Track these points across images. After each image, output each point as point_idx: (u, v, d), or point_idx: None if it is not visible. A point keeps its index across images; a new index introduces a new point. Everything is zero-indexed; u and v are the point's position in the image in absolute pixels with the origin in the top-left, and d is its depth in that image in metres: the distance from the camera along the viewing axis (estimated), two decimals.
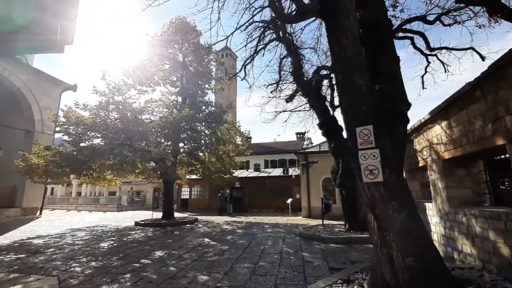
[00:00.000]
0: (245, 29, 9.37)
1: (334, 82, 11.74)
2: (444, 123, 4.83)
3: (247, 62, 10.89)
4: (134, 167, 11.15)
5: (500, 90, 3.19)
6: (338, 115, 12.43)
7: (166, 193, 13.37)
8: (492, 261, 3.47)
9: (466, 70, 10.43)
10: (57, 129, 10.71)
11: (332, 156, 9.51)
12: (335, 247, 6.41)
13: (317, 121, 9.68)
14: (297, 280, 3.97)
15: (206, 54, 13.97)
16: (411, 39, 9.16)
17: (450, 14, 8.85)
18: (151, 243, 7.50)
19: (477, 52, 8.81)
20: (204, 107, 13.83)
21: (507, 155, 3.30)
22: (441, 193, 5.03)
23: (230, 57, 52.54)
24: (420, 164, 6.17)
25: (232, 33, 5.32)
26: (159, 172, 12.53)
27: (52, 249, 6.74)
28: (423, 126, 5.54)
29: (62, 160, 9.53)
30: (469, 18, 8.40)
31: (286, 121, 11.05)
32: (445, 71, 10.20)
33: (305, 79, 10.41)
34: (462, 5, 7.33)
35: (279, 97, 11.07)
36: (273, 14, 6.08)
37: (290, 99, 11.31)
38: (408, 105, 3.63)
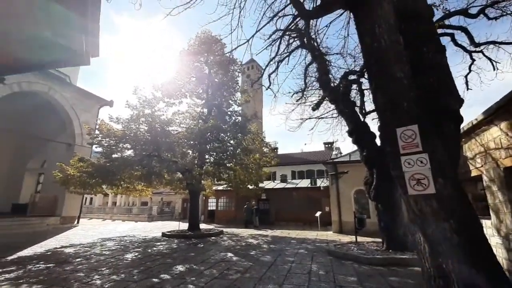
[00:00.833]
0: (268, 38, 9.31)
1: (363, 87, 11.06)
2: (503, 124, 4.04)
3: (271, 72, 10.73)
4: (160, 178, 11.31)
5: None
6: (369, 121, 11.60)
7: (192, 204, 13.35)
8: None
9: None
10: (90, 141, 11.27)
11: (364, 166, 8.74)
12: (372, 269, 5.64)
13: (346, 128, 9.04)
14: None
15: (230, 64, 14.09)
16: (451, 35, 8.26)
17: (496, 5, 7.89)
18: (174, 255, 7.31)
19: None
20: (228, 118, 13.82)
21: None
22: (503, 208, 4.17)
23: (256, 69, 53.28)
24: (473, 174, 5.29)
25: (253, 35, 5.14)
26: (185, 183, 12.60)
27: (79, 259, 6.83)
28: (475, 129, 4.74)
29: (95, 171, 9.96)
30: None
31: (312, 128, 10.47)
32: (494, 69, 9.04)
33: (332, 85, 9.91)
34: None
35: (304, 102, 10.64)
36: (295, 12, 5.81)
37: (316, 106, 10.80)
38: (460, 101, 3.03)
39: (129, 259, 6.93)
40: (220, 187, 19.97)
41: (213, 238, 11.26)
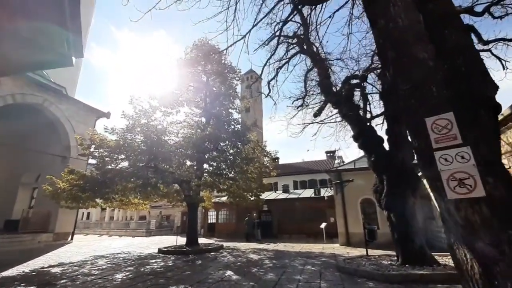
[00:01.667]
0: (267, 44, 8.98)
1: (367, 91, 10.66)
2: None
3: (270, 78, 10.38)
4: (156, 190, 10.74)
5: None
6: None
7: (190, 217, 12.68)
8: None
9: None
10: (82, 152, 10.79)
11: (372, 173, 8.21)
12: None
13: (350, 134, 8.58)
14: None
15: (229, 72, 13.82)
16: None
17: (501, 3, 7.60)
18: (168, 275, 6.66)
19: None
20: (227, 126, 13.39)
21: None
22: None
23: (255, 79, 53.53)
24: None
25: (249, 31, 4.76)
26: (183, 195, 12.01)
27: (64, 280, 6.20)
28: (500, 126, 4.26)
29: (85, 184, 9.41)
30: None
31: (315, 134, 9.99)
32: (503, 68, 8.65)
33: (334, 89, 9.53)
34: None
35: (307, 106, 10.23)
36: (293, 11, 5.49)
37: (318, 112, 10.36)
38: (495, 87, 2.56)
39: (119, 279, 6.28)
40: (223, 199, 19.27)
41: (212, 253, 10.55)
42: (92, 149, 10.20)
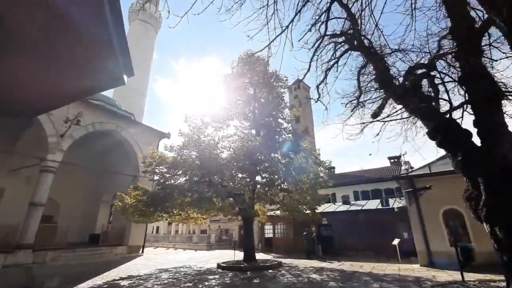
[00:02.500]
0: (312, 47, 8.43)
1: (436, 81, 8.98)
2: None
3: (319, 83, 9.68)
4: (211, 204, 10.84)
5: None
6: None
7: (246, 231, 12.42)
8: None
9: None
10: (144, 169, 11.67)
11: (457, 178, 6.64)
12: None
13: (423, 131, 7.18)
14: None
15: (275, 80, 13.59)
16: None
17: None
18: None
19: None
20: (277, 136, 12.99)
21: None
22: None
23: (303, 89, 52.50)
24: None
25: (292, 20, 4.33)
26: (237, 208, 11.88)
27: None
28: None
29: (148, 199, 10.04)
30: None
31: (378, 134, 8.72)
32: None
33: (396, 83, 8.27)
34: None
35: (363, 105, 9.16)
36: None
37: (379, 110, 9.11)
38: None
39: None
40: (278, 212, 18.64)
41: (270, 271, 9.93)
42: (153, 166, 10.95)
